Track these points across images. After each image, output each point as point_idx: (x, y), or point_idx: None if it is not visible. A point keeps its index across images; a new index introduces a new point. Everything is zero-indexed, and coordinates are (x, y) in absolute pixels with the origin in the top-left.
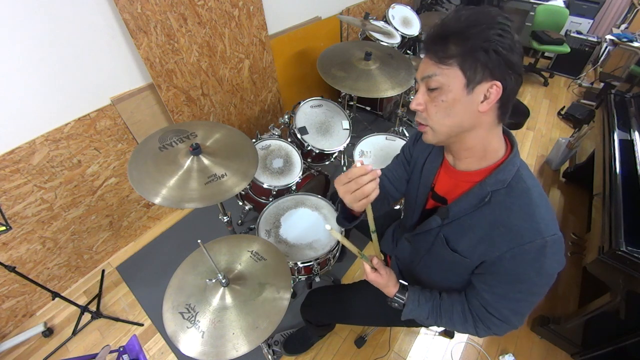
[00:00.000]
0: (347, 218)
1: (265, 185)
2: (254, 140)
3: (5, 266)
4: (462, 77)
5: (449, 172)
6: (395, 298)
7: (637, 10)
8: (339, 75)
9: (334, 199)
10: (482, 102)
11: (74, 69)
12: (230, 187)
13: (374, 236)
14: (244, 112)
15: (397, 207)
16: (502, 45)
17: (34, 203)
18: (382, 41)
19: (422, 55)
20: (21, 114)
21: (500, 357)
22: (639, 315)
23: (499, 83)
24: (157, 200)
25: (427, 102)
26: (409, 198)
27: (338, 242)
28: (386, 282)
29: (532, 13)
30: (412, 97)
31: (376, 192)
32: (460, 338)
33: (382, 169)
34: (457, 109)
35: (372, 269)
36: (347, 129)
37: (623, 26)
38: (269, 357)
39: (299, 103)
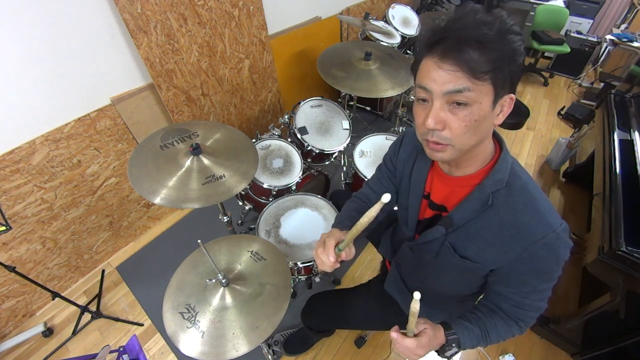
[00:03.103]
0: None
1: (265, 185)
2: (254, 140)
3: (5, 266)
4: (492, 92)
5: (444, 180)
6: (449, 340)
7: (637, 10)
8: (339, 75)
9: (334, 198)
10: (498, 115)
11: (74, 69)
12: (230, 187)
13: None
14: (244, 112)
15: (395, 207)
16: (524, 55)
17: (34, 203)
18: (382, 41)
19: (431, 58)
20: (21, 114)
21: (500, 357)
22: (639, 315)
23: (513, 95)
24: (157, 200)
25: (449, 120)
26: (400, 208)
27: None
28: (434, 336)
29: (532, 13)
30: (412, 98)
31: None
32: None
33: (366, 182)
34: (483, 125)
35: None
36: (347, 129)
37: (623, 26)
38: (269, 357)
39: (299, 103)
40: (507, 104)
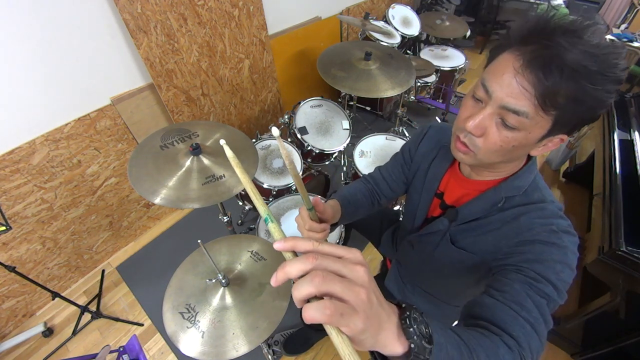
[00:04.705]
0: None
1: (265, 185)
2: (254, 140)
3: (5, 266)
4: (548, 129)
5: (461, 182)
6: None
7: (637, 10)
8: (339, 75)
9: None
10: (539, 148)
11: (74, 69)
12: (230, 187)
13: (312, 213)
14: (244, 112)
15: (396, 207)
16: (606, 110)
17: (34, 203)
18: (382, 41)
19: (515, 58)
20: (21, 114)
21: None
22: (639, 315)
23: (566, 137)
24: (157, 200)
25: (490, 131)
26: (410, 203)
27: (338, 242)
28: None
29: (532, 13)
30: (412, 97)
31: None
32: None
33: (379, 167)
34: (517, 151)
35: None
36: (347, 129)
37: (623, 26)
38: (269, 357)
39: (299, 103)
40: (554, 143)
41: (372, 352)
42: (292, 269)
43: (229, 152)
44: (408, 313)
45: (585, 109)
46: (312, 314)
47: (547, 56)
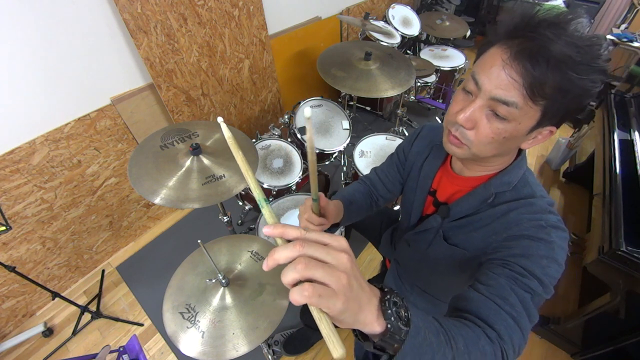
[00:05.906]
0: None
1: (265, 185)
2: (254, 140)
3: (5, 266)
4: (537, 119)
5: (452, 179)
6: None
7: (637, 10)
8: (339, 75)
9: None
10: (529, 140)
11: (74, 69)
12: (230, 187)
13: (315, 204)
14: (244, 112)
15: (396, 207)
16: (592, 99)
17: (34, 203)
18: (382, 41)
19: (503, 51)
20: (21, 114)
21: None
22: (639, 315)
23: (555, 129)
24: (157, 200)
25: (481, 123)
26: (405, 202)
27: None
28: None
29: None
30: (412, 97)
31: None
32: None
33: (374, 168)
34: (509, 143)
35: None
36: (347, 129)
37: (623, 26)
38: (269, 357)
39: (299, 103)
40: (543, 135)
41: (354, 330)
42: (280, 255)
43: (226, 132)
44: (388, 297)
45: (571, 98)
46: (294, 296)
47: (534, 47)
